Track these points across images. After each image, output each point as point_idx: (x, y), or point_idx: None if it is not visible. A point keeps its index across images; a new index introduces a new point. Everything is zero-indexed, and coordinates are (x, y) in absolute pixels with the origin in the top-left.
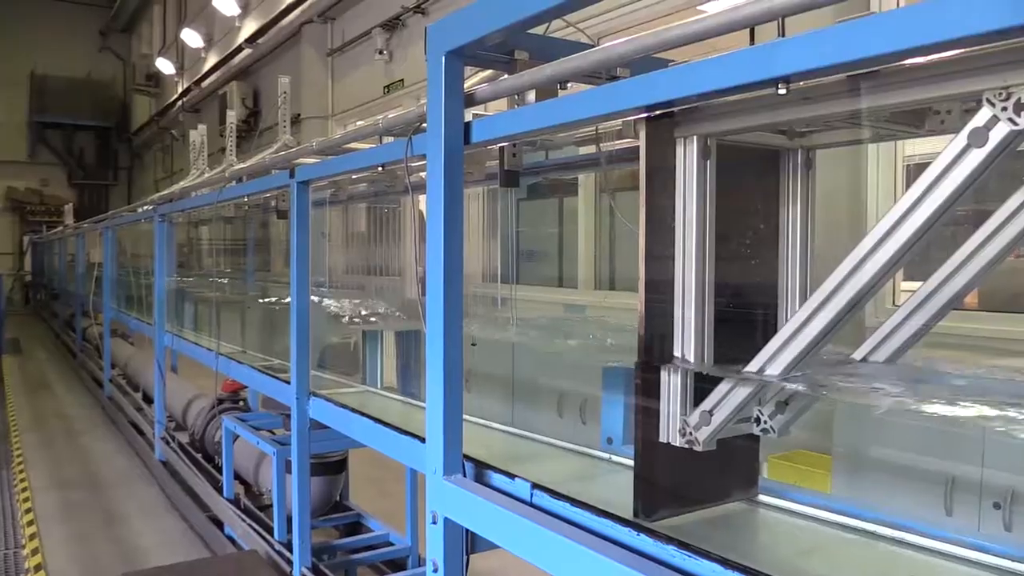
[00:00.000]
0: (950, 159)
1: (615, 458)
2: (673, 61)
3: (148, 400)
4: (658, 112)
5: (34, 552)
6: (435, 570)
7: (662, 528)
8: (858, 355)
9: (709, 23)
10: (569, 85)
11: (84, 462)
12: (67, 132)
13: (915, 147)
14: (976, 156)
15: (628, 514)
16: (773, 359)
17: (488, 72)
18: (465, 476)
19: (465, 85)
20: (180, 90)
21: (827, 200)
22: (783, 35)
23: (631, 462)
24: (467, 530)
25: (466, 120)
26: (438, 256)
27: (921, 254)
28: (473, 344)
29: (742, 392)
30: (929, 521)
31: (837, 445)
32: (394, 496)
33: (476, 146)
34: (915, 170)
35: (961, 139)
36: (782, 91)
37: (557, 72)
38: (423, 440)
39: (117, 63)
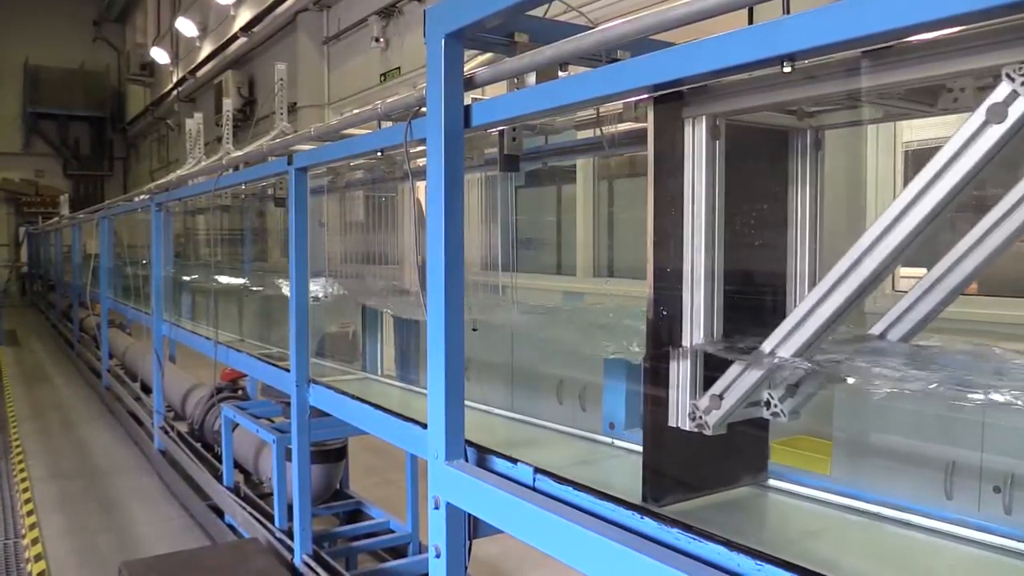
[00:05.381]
0: (967, 136)
1: (618, 443)
2: (672, 43)
3: (146, 390)
4: (667, 92)
5: (34, 542)
6: (437, 555)
7: (670, 513)
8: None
9: (710, 2)
10: (568, 69)
11: (83, 452)
12: (62, 123)
13: (913, 133)
14: (995, 132)
15: (632, 498)
16: (784, 341)
17: (487, 56)
18: (467, 461)
19: (464, 69)
20: (175, 80)
21: (827, 183)
22: (787, 12)
23: (634, 447)
24: (470, 515)
25: (466, 104)
26: (439, 239)
27: (924, 240)
28: (474, 329)
29: (753, 375)
30: (929, 505)
31: (837, 430)
32: (394, 484)
33: (476, 129)
34: (914, 156)
35: (979, 115)
36: (787, 69)
37: (557, 54)
38: (424, 426)
39: (111, 53)
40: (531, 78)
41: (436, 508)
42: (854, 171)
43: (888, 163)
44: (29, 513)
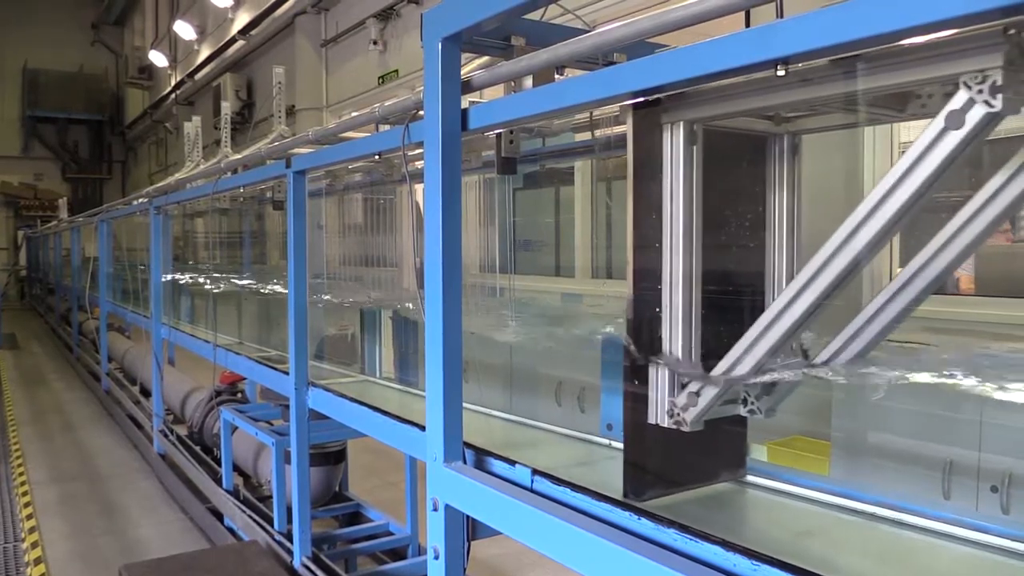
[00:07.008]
0: (927, 142)
1: (615, 444)
2: (669, 46)
3: (146, 393)
4: (645, 98)
5: (34, 545)
6: (436, 557)
7: (652, 508)
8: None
9: (707, 5)
10: (566, 71)
11: (82, 456)
12: (60, 126)
13: (910, 133)
14: (953, 139)
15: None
16: (747, 352)
17: (484, 59)
18: (466, 463)
19: (462, 72)
20: (173, 83)
21: (822, 187)
22: (781, 16)
23: None
24: (468, 517)
25: (463, 106)
26: (437, 242)
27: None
28: (472, 332)
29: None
30: (927, 505)
31: (835, 430)
32: (395, 486)
33: (473, 132)
34: None
35: (938, 122)
36: (781, 73)
37: (554, 57)
38: (423, 428)
39: (110, 56)
40: (528, 81)
41: (435, 510)
42: (851, 171)
43: (885, 162)
44: (29, 516)
